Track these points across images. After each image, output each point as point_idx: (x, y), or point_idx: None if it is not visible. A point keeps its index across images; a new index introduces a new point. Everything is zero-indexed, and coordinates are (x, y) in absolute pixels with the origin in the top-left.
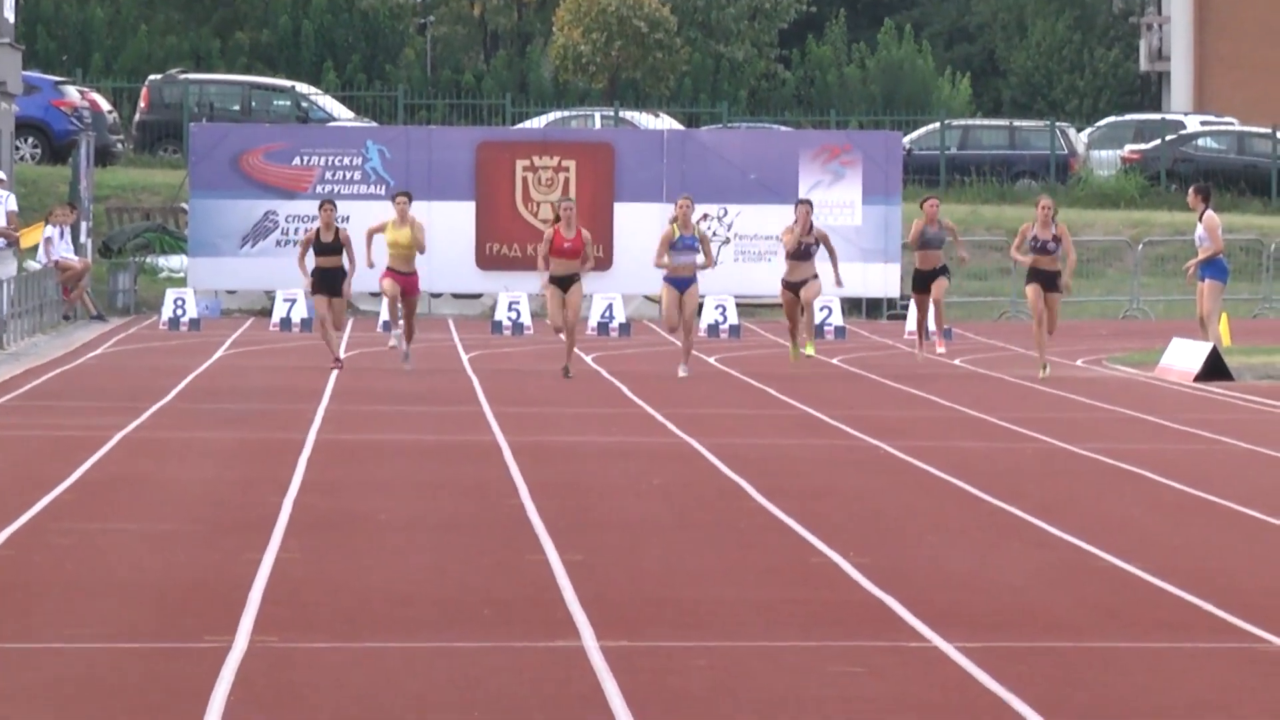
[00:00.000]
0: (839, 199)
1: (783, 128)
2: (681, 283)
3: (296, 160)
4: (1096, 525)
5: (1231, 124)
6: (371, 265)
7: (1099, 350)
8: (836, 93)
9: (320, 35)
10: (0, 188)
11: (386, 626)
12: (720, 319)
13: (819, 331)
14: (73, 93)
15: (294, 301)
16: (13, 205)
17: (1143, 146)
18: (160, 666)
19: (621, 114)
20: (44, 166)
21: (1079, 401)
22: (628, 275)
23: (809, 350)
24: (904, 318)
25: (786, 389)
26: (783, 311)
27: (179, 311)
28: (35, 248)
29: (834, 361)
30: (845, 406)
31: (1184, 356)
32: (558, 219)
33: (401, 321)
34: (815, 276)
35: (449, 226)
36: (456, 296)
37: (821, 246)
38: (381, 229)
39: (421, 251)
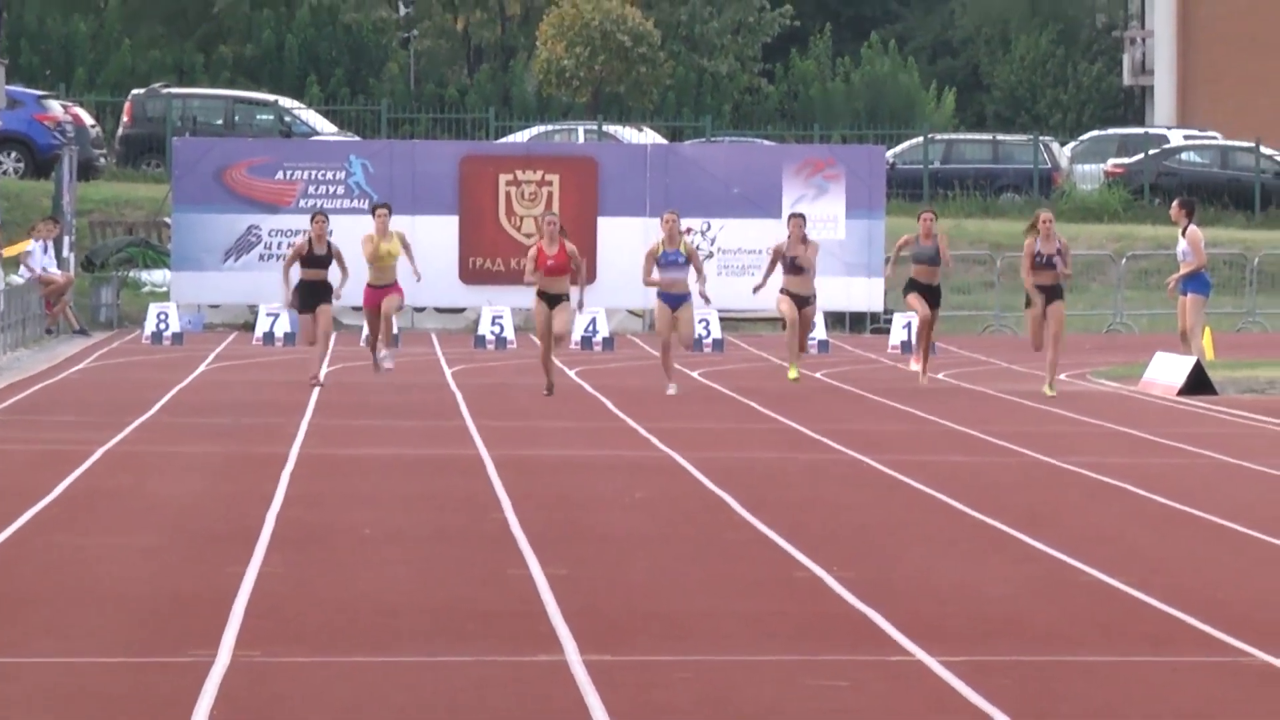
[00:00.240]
0: (822, 213)
1: (766, 142)
2: (674, 299)
3: (280, 175)
4: (1081, 539)
5: (1215, 138)
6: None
7: (1083, 364)
8: (820, 107)
9: (303, 49)
10: None
11: (370, 640)
12: (704, 333)
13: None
14: (56, 107)
15: (277, 316)
16: None
17: (1126, 160)
18: (143, 680)
19: (605, 128)
20: (27, 181)
21: (1063, 416)
22: (611, 289)
23: (794, 374)
24: (887, 331)
25: (770, 403)
26: (778, 325)
27: (162, 326)
28: (17, 261)
29: (817, 375)
30: (829, 420)
31: (1167, 371)
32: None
33: (384, 349)
34: (814, 297)
35: (432, 241)
36: (440, 310)
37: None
38: (374, 246)
39: (418, 277)
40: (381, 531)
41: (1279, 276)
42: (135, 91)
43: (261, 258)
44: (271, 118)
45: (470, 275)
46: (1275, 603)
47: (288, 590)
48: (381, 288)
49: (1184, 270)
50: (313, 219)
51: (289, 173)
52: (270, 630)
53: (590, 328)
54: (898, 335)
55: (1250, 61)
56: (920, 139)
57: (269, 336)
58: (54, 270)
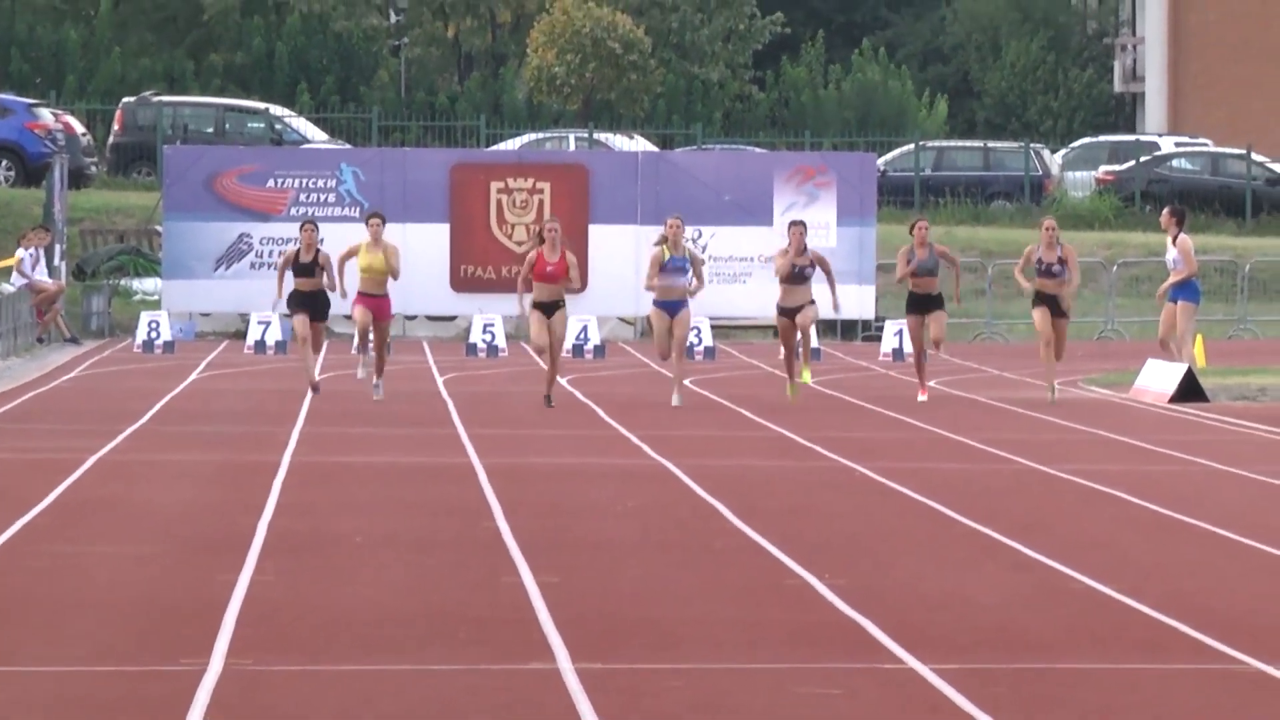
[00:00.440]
0: (814, 220)
1: (757, 149)
2: (672, 306)
3: (271, 183)
4: (1073, 546)
5: (1206, 145)
6: (345, 296)
7: (1074, 371)
8: (811, 114)
9: (294, 57)
10: None
11: (361, 648)
12: (696, 340)
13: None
14: (47, 115)
15: (268, 324)
16: None
17: (1117, 167)
18: (135, 689)
19: (596, 136)
20: (18, 189)
21: (1054, 423)
22: (603, 297)
23: (805, 377)
24: (879, 339)
25: (761, 411)
26: (769, 332)
27: (153, 334)
28: (9, 271)
29: (810, 383)
30: (820, 428)
31: (1159, 378)
32: (541, 240)
33: (372, 351)
34: (812, 302)
35: (423, 248)
36: (431, 319)
37: (818, 269)
38: (355, 253)
39: (395, 278)
40: (373, 539)
41: (1270, 283)
42: (126, 100)
43: (253, 266)
44: (262, 126)
45: (461, 283)
46: (1268, 609)
47: (279, 598)
48: (372, 297)
49: (1174, 278)
50: (302, 228)
51: (280, 181)
52: (262, 638)
53: (582, 335)
54: (889, 343)
55: (1241, 68)
56: (911, 146)
57: (260, 345)
58: (45, 279)
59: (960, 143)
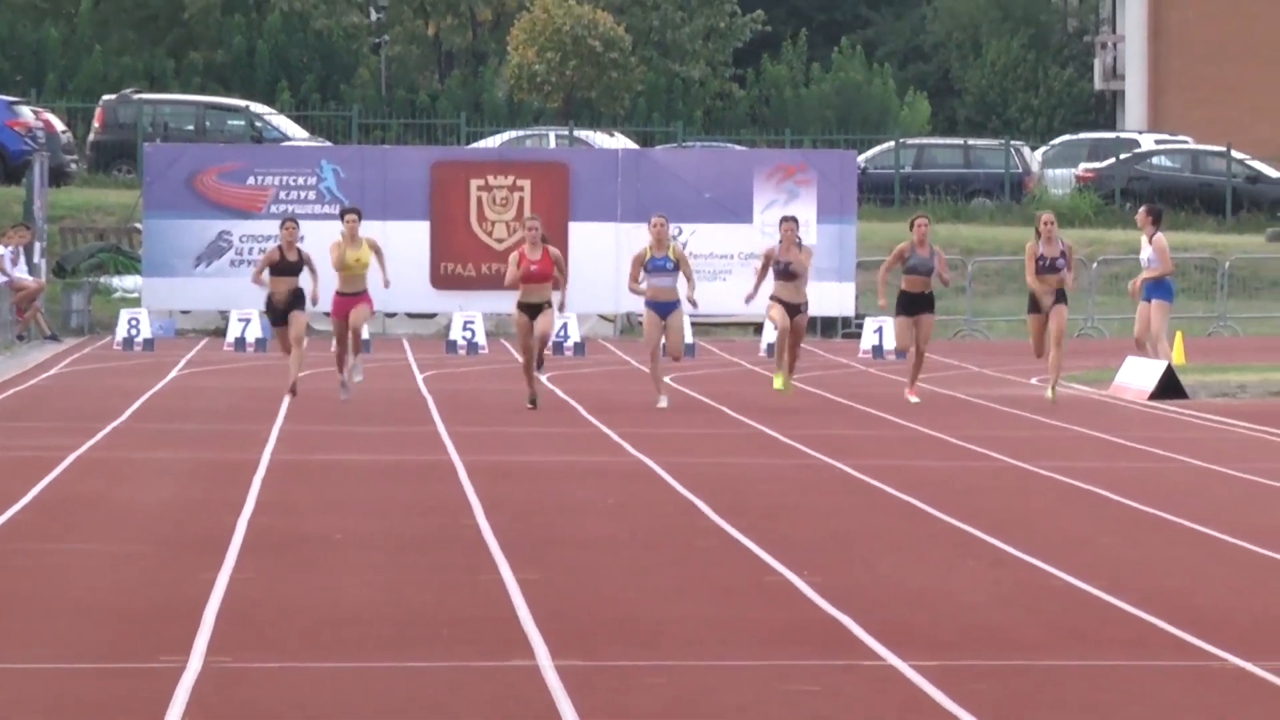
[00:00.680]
0: None
1: (737, 147)
2: (663, 307)
3: (251, 180)
4: (1052, 543)
5: (1186, 143)
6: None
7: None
8: (791, 112)
9: (274, 55)
10: None
11: (342, 646)
12: None
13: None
14: (27, 113)
15: (248, 321)
16: None
17: (1097, 165)
18: (115, 687)
19: (576, 133)
20: None
21: (1034, 420)
22: (583, 294)
23: (779, 383)
24: (858, 336)
25: (743, 408)
26: (750, 329)
27: (133, 332)
28: None
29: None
30: (801, 425)
31: (1139, 375)
32: (523, 239)
33: (352, 359)
34: (806, 305)
35: (404, 246)
36: (411, 316)
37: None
38: (341, 253)
39: (386, 286)
40: (353, 537)
41: (1250, 281)
42: (106, 97)
43: (233, 263)
44: (243, 123)
45: (442, 280)
46: (1247, 606)
47: (259, 596)
48: (350, 295)
49: (1147, 274)
50: (282, 225)
51: (260, 178)
52: (242, 636)
53: (562, 333)
54: (869, 340)
55: (1221, 66)
56: (891, 144)
57: (240, 342)
58: (25, 276)
59: (940, 140)
